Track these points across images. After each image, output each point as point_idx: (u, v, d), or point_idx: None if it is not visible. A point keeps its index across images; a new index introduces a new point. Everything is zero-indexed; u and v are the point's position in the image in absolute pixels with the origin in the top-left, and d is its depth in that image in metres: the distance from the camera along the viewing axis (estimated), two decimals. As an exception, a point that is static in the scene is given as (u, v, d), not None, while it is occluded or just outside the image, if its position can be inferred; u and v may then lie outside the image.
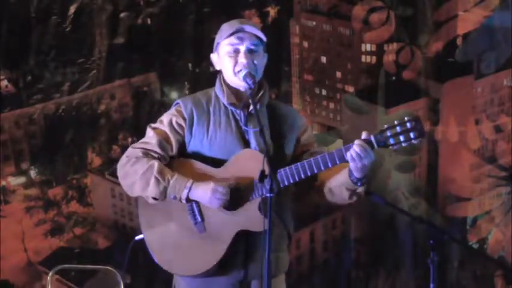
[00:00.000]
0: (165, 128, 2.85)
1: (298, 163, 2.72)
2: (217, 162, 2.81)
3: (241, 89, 2.84)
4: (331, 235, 6.79)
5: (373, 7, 6.40)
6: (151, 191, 2.76)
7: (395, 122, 2.64)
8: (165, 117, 2.89)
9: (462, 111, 6.66)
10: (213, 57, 2.94)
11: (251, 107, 2.83)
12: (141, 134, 2.95)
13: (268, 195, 2.52)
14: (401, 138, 2.63)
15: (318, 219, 6.67)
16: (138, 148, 2.84)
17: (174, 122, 2.86)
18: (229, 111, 2.86)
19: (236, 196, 2.76)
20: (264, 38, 2.87)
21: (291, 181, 2.72)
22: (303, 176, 2.71)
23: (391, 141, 2.64)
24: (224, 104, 2.86)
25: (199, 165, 2.82)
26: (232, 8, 6.30)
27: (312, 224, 6.62)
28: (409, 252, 6.44)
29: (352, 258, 6.69)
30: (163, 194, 2.77)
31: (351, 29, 6.70)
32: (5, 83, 5.78)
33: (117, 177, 2.90)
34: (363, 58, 6.78)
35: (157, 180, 2.74)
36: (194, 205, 2.80)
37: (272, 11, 6.60)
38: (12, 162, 5.93)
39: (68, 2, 5.79)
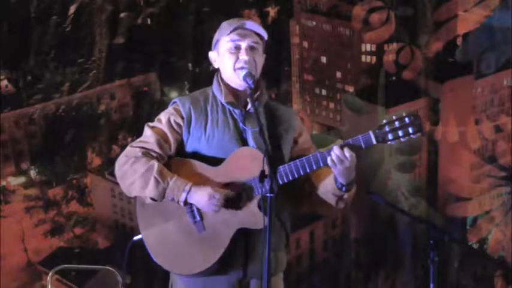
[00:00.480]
0: (163, 127, 2.84)
1: (291, 162, 2.72)
2: (215, 161, 2.80)
3: (239, 87, 2.84)
4: (331, 235, 6.79)
5: (373, 7, 6.41)
6: (150, 191, 2.76)
7: (394, 117, 2.64)
8: (163, 116, 2.88)
9: (462, 111, 6.66)
10: (212, 55, 2.93)
11: (249, 106, 2.83)
12: (141, 134, 2.94)
13: (268, 195, 2.53)
14: (400, 133, 2.63)
15: (318, 219, 6.67)
16: (136, 147, 2.83)
17: (172, 121, 2.85)
18: (227, 110, 2.85)
19: (234, 195, 2.76)
20: (266, 35, 2.86)
21: (285, 180, 2.72)
22: (296, 175, 2.71)
23: (390, 136, 2.64)
24: (222, 103, 2.86)
25: (198, 165, 2.81)
26: (232, 8, 6.30)
27: (312, 223, 6.62)
28: (409, 252, 6.45)
29: (352, 258, 6.70)
30: (162, 195, 2.76)
31: (351, 29, 6.70)
32: (5, 83, 5.78)
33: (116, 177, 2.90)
34: (363, 58, 6.79)
35: (156, 181, 2.74)
36: (193, 204, 2.80)
37: (272, 11, 6.60)
38: (12, 162, 5.93)
39: (68, 2, 5.79)
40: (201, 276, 2.84)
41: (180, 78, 6.33)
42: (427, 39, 6.52)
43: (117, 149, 6.07)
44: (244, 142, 2.84)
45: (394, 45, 6.53)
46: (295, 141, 2.94)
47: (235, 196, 2.78)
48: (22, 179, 5.95)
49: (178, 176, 2.79)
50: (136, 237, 3.23)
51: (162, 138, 2.85)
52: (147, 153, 2.83)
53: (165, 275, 3.00)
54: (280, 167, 2.74)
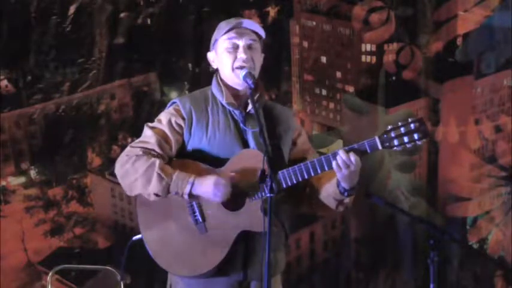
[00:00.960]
0: (164, 127, 2.83)
1: (296, 166, 2.71)
2: (216, 162, 2.79)
3: (238, 87, 2.83)
4: (331, 235, 6.79)
5: (373, 7, 6.41)
6: (154, 187, 2.74)
7: (399, 123, 2.64)
8: (163, 117, 2.86)
9: (462, 111, 6.66)
10: (210, 55, 2.92)
11: (249, 107, 2.82)
12: (141, 134, 2.93)
13: (268, 195, 2.52)
14: (406, 139, 2.63)
15: (318, 220, 6.67)
16: (137, 147, 2.82)
17: (173, 122, 2.83)
18: (227, 111, 2.84)
19: (237, 196, 2.75)
20: (263, 34, 2.85)
21: (289, 183, 2.71)
22: (300, 179, 2.70)
23: (396, 142, 2.64)
24: (222, 104, 2.85)
25: (200, 166, 2.80)
26: (232, 8, 6.30)
27: (312, 224, 6.62)
28: (409, 252, 6.44)
29: (352, 259, 6.70)
30: (166, 190, 2.74)
31: (351, 29, 6.70)
32: (5, 83, 5.78)
33: (117, 177, 2.89)
34: (363, 58, 6.79)
35: (159, 176, 2.72)
36: (195, 205, 2.79)
37: (272, 11, 6.60)
38: (12, 162, 5.93)
39: (68, 2, 5.79)
40: (201, 278, 2.84)
41: (180, 78, 6.33)
42: (427, 39, 6.52)
43: (117, 149, 6.06)
44: (245, 143, 2.83)
45: (394, 45, 6.53)
46: (294, 143, 2.93)
47: (238, 197, 2.77)
48: (22, 179, 5.95)
49: (181, 171, 2.78)
50: (135, 237, 3.23)
51: (162, 139, 2.84)
52: (147, 152, 2.82)
53: (165, 275, 3.00)
54: (284, 170, 2.73)
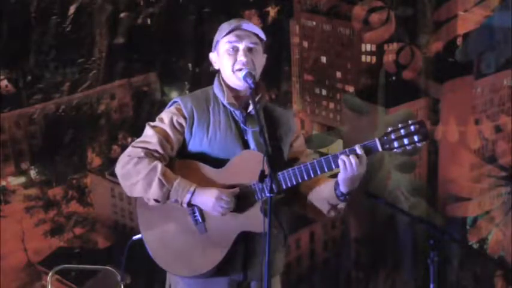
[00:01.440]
0: (166, 127, 2.83)
1: (296, 167, 2.71)
2: (216, 163, 2.79)
3: (239, 88, 2.83)
4: (331, 235, 6.78)
5: (373, 7, 6.40)
6: (154, 193, 2.74)
7: (399, 125, 2.63)
8: (165, 116, 2.86)
9: (462, 111, 6.66)
10: (212, 56, 2.92)
11: (250, 108, 2.82)
12: (141, 134, 2.93)
13: (267, 195, 2.52)
14: (406, 141, 2.62)
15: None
16: (139, 147, 2.81)
17: (174, 121, 2.84)
18: (228, 112, 2.85)
19: (237, 197, 2.75)
20: (263, 37, 2.86)
21: (289, 184, 2.71)
22: (300, 180, 2.70)
23: (396, 144, 2.63)
24: (223, 104, 2.85)
25: (201, 166, 2.80)
26: (232, 8, 6.30)
27: (311, 224, 6.61)
28: (409, 252, 6.44)
29: (352, 258, 6.70)
30: (166, 196, 2.75)
31: (351, 29, 6.70)
32: (5, 83, 5.77)
33: (117, 177, 2.88)
34: (363, 58, 6.78)
35: (160, 182, 2.72)
36: (196, 206, 2.79)
37: (272, 11, 6.60)
38: (12, 162, 5.93)
39: (68, 2, 5.79)
40: (201, 278, 2.84)
41: (180, 78, 6.33)
42: (427, 39, 6.52)
43: (117, 149, 6.06)
44: (245, 144, 2.83)
45: (394, 45, 6.53)
46: (291, 145, 2.93)
47: (238, 198, 2.77)
48: (22, 179, 5.95)
49: (182, 178, 2.78)
50: (135, 237, 3.23)
51: (164, 139, 2.84)
52: (149, 153, 2.82)
53: (165, 275, 3.00)
54: (284, 171, 2.73)
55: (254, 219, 2.73)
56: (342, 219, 6.72)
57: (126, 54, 6.07)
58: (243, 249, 2.80)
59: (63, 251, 5.99)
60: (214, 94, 2.89)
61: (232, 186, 2.76)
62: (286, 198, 2.84)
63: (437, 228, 3.19)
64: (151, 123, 2.88)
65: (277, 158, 2.77)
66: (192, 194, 2.73)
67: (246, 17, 6.31)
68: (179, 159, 2.85)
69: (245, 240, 2.78)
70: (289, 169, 2.71)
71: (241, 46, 2.81)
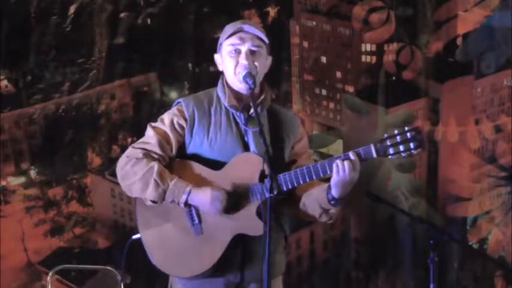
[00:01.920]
0: (166, 128, 2.83)
1: (298, 169, 2.70)
2: (216, 164, 2.79)
3: (242, 91, 2.83)
4: (331, 235, 6.79)
5: (373, 7, 6.40)
6: (150, 193, 2.75)
7: (396, 132, 2.62)
8: (166, 116, 2.87)
9: (462, 111, 6.66)
10: (217, 58, 2.92)
11: (252, 110, 2.82)
12: (141, 134, 2.94)
13: (267, 195, 2.52)
14: (401, 148, 2.61)
15: (318, 220, 6.66)
16: (138, 148, 2.82)
17: (175, 122, 2.84)
18: (230, 113, 2.84)
19: (234, 199, 2.75)
20: (266, 39, 2.85)
21: (290, 187, 2.70)
22: (301, 182, 2.70)
23: (391, 151, 2.62)
24: (225, 106, 2.85)
25: (199, 167, 2.80)
26: (232, 8, 6.30)
27: (312, 224, 6.61)
28: (409, 252, 6.44)
29: (352, 258, 6.70)
30: (162, 197, 2.75)
31: (351, 29, 6.70)
32: (5, 83, 5.78)
33: (117, 177, 2.89)
34: (363, 58, 6.79)
35: (156, 183, 2.73)
36: (192, 207, 2.79)
37: (272, 11, 6.60)
38: (12, 162, 5.93)
39: (68, 2, 5.79)
40: (198, 279, 2.84)
41: (180, 78, 6.33)
42: (427, 39, 6.52)
43: (117, 149, 6.07)
44: (246, 146, 2.83)
45: (394, 45, 6.52)
46: (293, 147, 2.93)
47: (234, 200, 2.77)
48: (22, 179, 5.95)
49: (179, 178, 2.78)
50: (135, 236, 3.23)
51: (164, 140, 2.84)
52: (148, 154, 2.82)
53: (165, 275, 3.00)
54: (286, 173, 2.72)
55: (250, 222, 2.73)
56: (342, 219, 6.72)
57: (126, 54, 6.07)
58: (240, 251, 2.80)
59: (63, 251, 5.99)
60: (217, 96, 2.89)
61: (229, 189, 2.76)
62: (281, 200, 2.83)
63: (437, 228, 3.19)
64: (153, 124, 2.89)
65: (277, 160, 2.76)
66: (188, 194, 2.74)
67: (246, 17, 6.31)
68: (178, 160, 2.86)
69: (242, 242, 2.78)
70: (291, 172, 2.71)
71: (244, 49, 2.80)
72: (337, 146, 6.45)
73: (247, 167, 2.74)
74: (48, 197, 5.97)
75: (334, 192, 2.70)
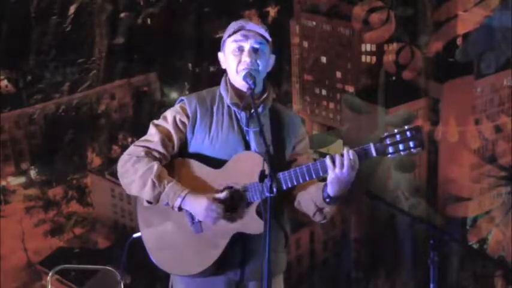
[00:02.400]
0: (169, 125, 2.83)
1: (297, 168, 2.70)
2: (218, 162, 2.79)
3: (244, 88, 2.83)
4: (331, 235, 6.79)
5: (373, 7, 6.40)
6: (147, 193, 2.75)
7: (395, 131, 2.62)
8: (168, 114, 2.86)
9: (462, 111, 6.66)
10: (220, 56, 2.92)
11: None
12: (141, 134, 2.93)
13: (267, 195, 2.52)
14: (401, 147, 2.61)
15: (318, 220, 6.67)
16: (140, 146, 2.82)
17: (177, 120, 2.83)
18: (232, 112, 2.84)
19: (234, 198, 2.75)
20: (269, 37, 2.85)
21: (289, 185, 2.70)
22: (301, 181, 2.69)
23: (390, 149, 2.62)
24: (227, 104, 2.85)
25: (199, 166, 2.80)
26: (233, 8, 6.31)
27: (312, 224, 6.62)
28: (409, 252, 6.45)
29: (352, 258, 6.70)
30: (157, 199, 2.75)
31: (351, 29, 6.70)
32: (5, 83, 5.78)
33: (117, 177, 2.89)
34: (363, 58, 6.79)
35: (153, 183, 2.73)
36: (190, 207, 2.79)
37: (272, 11, 6.60)
38: (12, 162, 5.94)
39: (68, 2, 5.80)
40: (199, 277, 2.84)
41: (180, 78, 6.34)
42: (427, 39, 6.52)
43: (117, 149, 6.07)
44: (247, 144, 2.83)
45: (394, 45, 6.53)
46: (293, 147, 2.93)
47: (233, 201, 2.77)
48: (22, 179, 5.96)
49: (177, 181, 2.78)
50: (135, 235, 3.23)
51: (166, 137, 2.84)
52: (149, 153, 2.82)
53: (166, 275, 3.00)
54: (286, 172, 2.72)
55: (249, 221, 2.73)
56: (342, 219, 6.72)
57: (126, 54, 6.07)
58: (240, 249, 2.80)
59: (63, 251, 6.00)
60: (220, 94, 2.88)
61: (229, 187, 2.76)
62: (281, 199, 2.83)
63: (437, 228, 3.19)
64: (156, 122, 2.88)
65: (277, 160, 2.76)
66: (183, 198, 2.73)
67: (246, 17, 6.31)
68: (178, 158, 2.85)
69: (242, 240, 2.78)
70: (291, 170, 2.71)
71: (247, 46, 2.80)
72: (337, 146, 6.44)
73: (247, 165, 2.74)
74: (48, 197, 5.97)
75: (330, 190, 2.69)
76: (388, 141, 2.62)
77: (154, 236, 2.87)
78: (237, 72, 2.81)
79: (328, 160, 2.66)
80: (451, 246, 6.29)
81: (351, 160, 2.63)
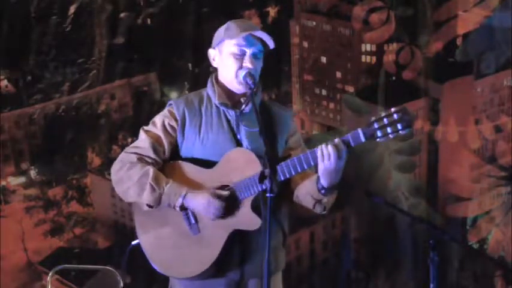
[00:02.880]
0: (158, 131, 2.82)
1: (289, 160, 2.70)
2: (209, 163, 2.78)
3: (237, 91, 2.81)
4: (331, 235, 6.79)
5: (373, 7, 6.40)
6: (146, 198, 2.74)
7: (382, 114, 2.61)
8: (157, 119, 2.86)
9: (462, 111, 6.66)
10: (212, 53, 2.88)
11: (243, 107, 2.81)
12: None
13: (268, 195, 2.52)
14: (389, 130, 2.59)
15: (318, 220, 6.68)
16: (131, 153, 2.81)
17: (166, 124, 2.83)
18: (220, 112, 2.83)
19: (229, 196, 2.75)
20: (272, 45, 2.82)
21: (284, 177, 2.70)
22: (293, 173, 2.69)
23: (379, 133, 2.60)
24: (216, 104, 2.84)
25: (191, 167, 2.80)
26: (232, 8, 6.31)
27: (312, 224, 6.62)
28: (409, 252, 6.45)
29: (352, 258, 6.70)
30: (158, 201, 2.75)
31: (351, 29, 6.70)
32: (5, 83, 5.78)
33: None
34: (363, 58, 6.79)
35: (152, 187, 2.73)
36: (189, 208, 2.79)
37: (272, 11, 6.60)
38: (12, 162, 5.94)
39: (68, 2, 5.80)
40: (198, 279, 2.83)
41: (180, 78, 6.34)
42: (427, 39, 6.52)
43: (117, 149, 6.07)
44: (238, 143, 2.83)
45: (394, 45, 6.53)
46: (286, 142, 2.92)
47: (229, 197, 2.77)
48: (22, 179, 5.96)
49: (174, 182, 2.78)
50: (134, 242, 3.23)
51: (156, 143, 2.83)
52: (141, 158, 2.82)
53: (165, 277, 3.00)
54: (282, 163, 2.72)
55: (245, 218, 2.73)
56: (342, 219, 6.72)
57: (126, 54, 6.07)
58: (238, 248, 2.80)
59: (63, 251, 6.00)
60: (208, 95, 2.87)
61: (224, 186, 2.76)
62: (278, 195, 2.83)
63: (437, 228, 3.19)
64: (145, 128, 2.88)
65: (271, 155, 2.76)
66: (184, 197, 2.73)
67: (246, 17, 6.31)
68: (170, 162, 2.85)
69: (241, 239, 2.78)
70: (281, 163, 2.70)
71: (249, 52, 2.78)
72: (337, 146, 6.43)
73: (238, 162, 2.74)
74: (48, 197, 5.97)
75: (323, 181, 2.70)
76: (376, 125, 2.61)
77: (153, 241, 2.87)
78: (236, 76, 2.80)
79: (318, 150, 2.66)
80: (451, 246, 6.29)
81: (337, 150, 2.62)
